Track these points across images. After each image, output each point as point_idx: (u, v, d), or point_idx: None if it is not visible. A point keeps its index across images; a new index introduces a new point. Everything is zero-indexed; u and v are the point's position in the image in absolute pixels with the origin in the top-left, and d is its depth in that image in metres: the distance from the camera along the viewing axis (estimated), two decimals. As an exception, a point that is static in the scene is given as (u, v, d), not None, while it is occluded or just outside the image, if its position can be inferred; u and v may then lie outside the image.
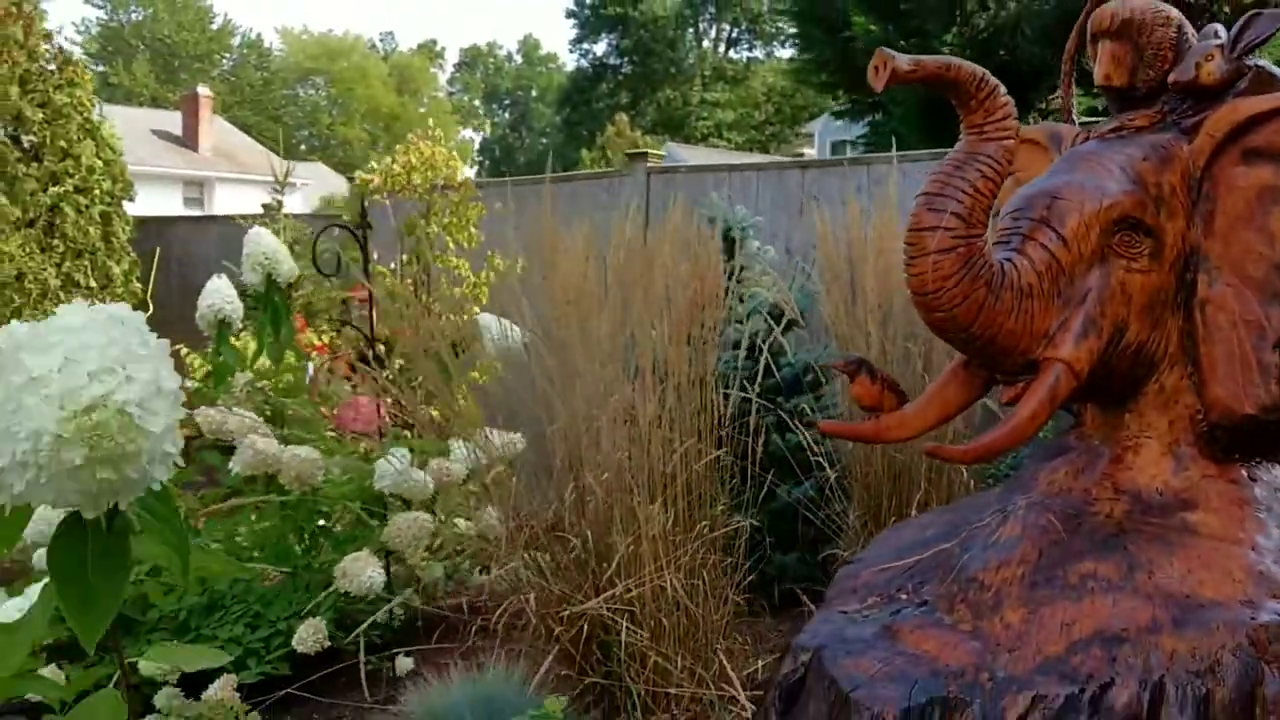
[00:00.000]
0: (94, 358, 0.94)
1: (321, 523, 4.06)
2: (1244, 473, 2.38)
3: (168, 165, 33.12)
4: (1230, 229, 2.30)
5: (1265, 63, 2.38)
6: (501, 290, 4.37)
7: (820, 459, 3.92)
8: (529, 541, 3.27)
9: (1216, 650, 2.04)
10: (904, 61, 2.10)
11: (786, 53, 44.14)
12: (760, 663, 3.37)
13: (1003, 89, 2.17)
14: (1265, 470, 2.43)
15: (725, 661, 3.17)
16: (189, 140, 35.39)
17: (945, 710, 2.12)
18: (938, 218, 2.14)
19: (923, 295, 2.19)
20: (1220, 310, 2.30)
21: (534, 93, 60.71)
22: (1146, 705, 2.01)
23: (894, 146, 7.91)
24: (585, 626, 3.09)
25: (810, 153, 32.16)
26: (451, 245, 5.61)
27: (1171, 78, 2.39)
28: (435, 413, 4.47)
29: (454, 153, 5.81)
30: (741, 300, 4.23)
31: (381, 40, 68.41)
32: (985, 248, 2.19)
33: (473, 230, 5.62)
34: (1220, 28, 2.41)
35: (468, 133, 58.74)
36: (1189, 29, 2.45)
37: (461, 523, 4.17)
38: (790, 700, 2.41)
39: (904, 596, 2.54)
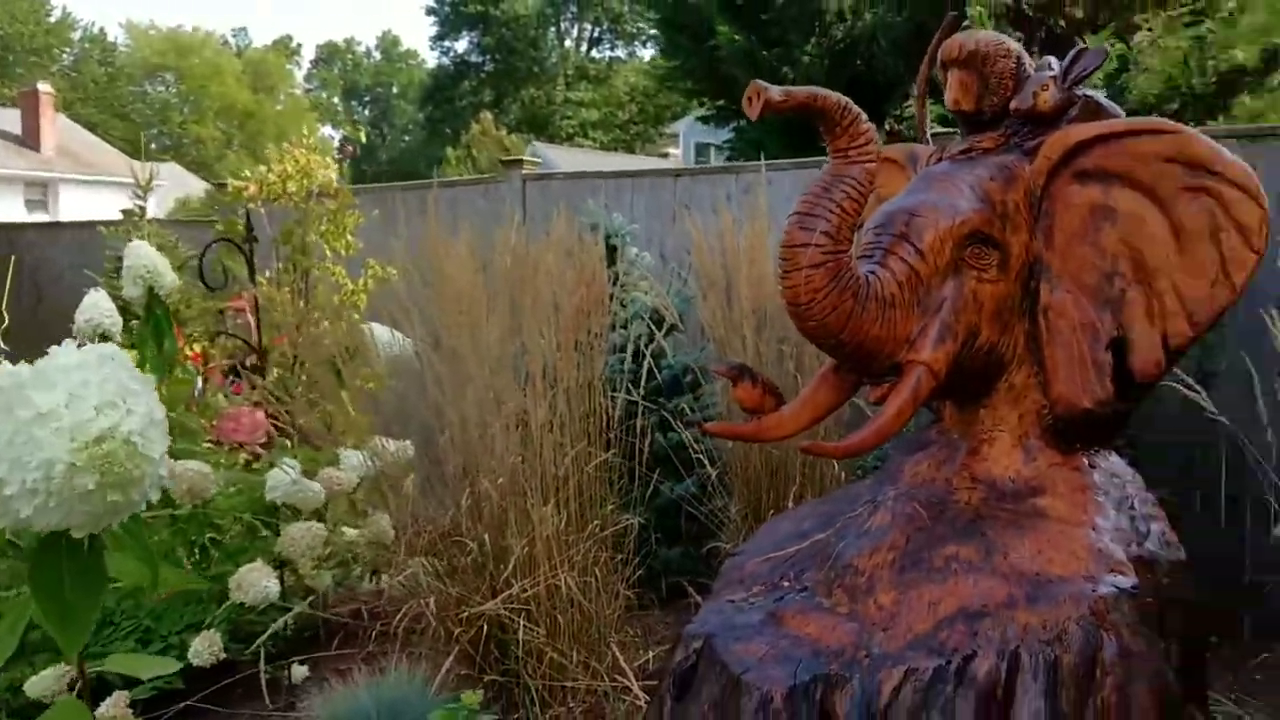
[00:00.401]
0: (94, 393, 1.03)
1: (212, 535, 4.07)
2: (1085, 461, 2.65)
3: (7, 166, 31.57)
4: (1067, 242, 2.55)
5: (1093, 93, 2.65)
6: (385, 297, 4.43)
7: (702, 456, 4.11)
8: (426, 547, 3.37)
9: (1063, 621, 2.28)
10: (776, 92, 2.27)
11: (648, 53, 44.63)
12: (651, 654, 3.54)
13: (864, 116, 2.36)
14: (1102, 457, 2.71)
15: (618, 654, 3.32)
16: (30, 140, 33.69)
17: (828, 687, 2.32)
18: (808, 235, 2.33)
19: (796, 306, 2.38)
20: (1060, 315, 2.55)
21: (395, 90, 59.86)
22: (1004, 673, 2.24)
23: (759, 153, 8.20)
24: (484, 627, 3.21)
25: (675, 153, 32.56)
26: (329, 253, 5.62)
27: (1013, 105, 2.64)
28: (319, 421, 4.51)
29: (328, 159, 5.82)
30: (624, 306, 4.39)
31: (234, 36, 66.49)
32: (852, 262, 2.40)
33: (350, 238, 5.64)
34: (1054, 60, 2.67)
35: (328, 130, 57.61)
36: (1027, 60, 2.70)
37: (350, 531, 4.23)
38: (684, 686, 2.58)
39: (786, 584, 2.73)
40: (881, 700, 2.26)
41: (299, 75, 63.29)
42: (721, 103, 8.93)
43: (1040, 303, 2.57)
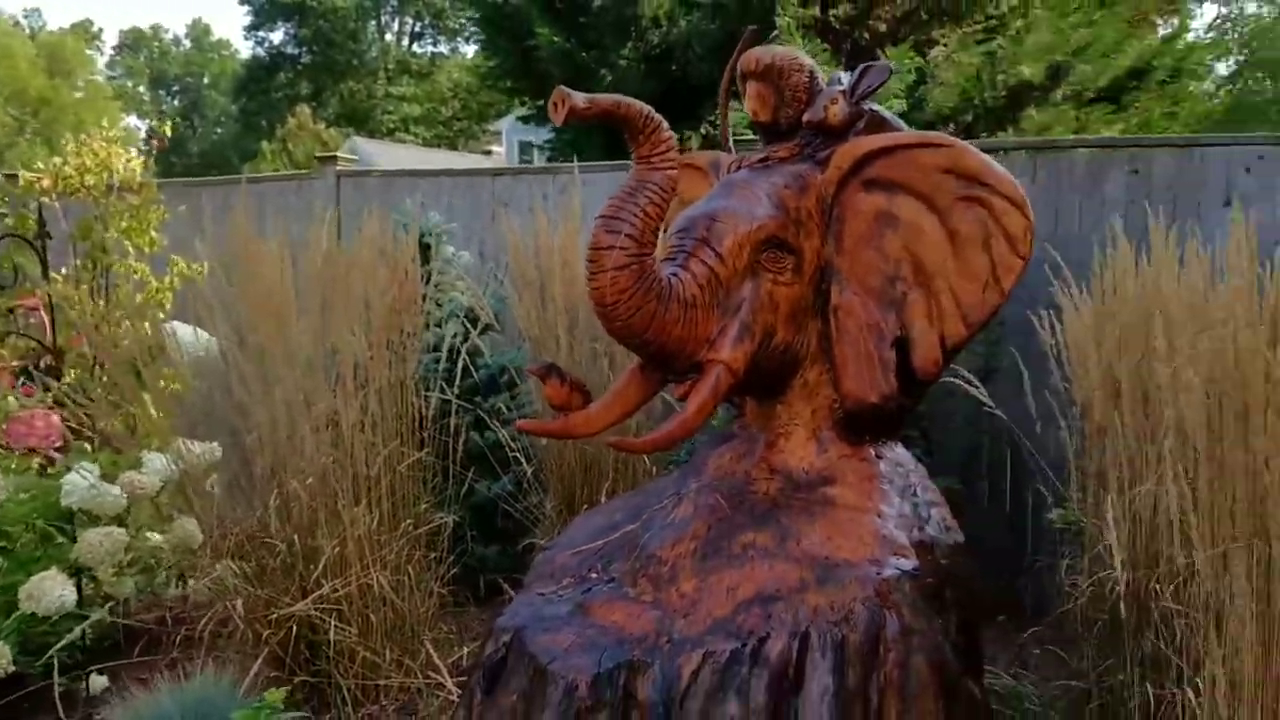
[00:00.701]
0: None
1: (1, 544, 3.87)
2: (872, 452, 2.82)
3: None
4: (855, 247, 2.72)
5: (879, 107, 2.83)
6: (191, 296, 4.30)
7: (518, 454, 4.16)
8: (234, 549, 3.31)
9: (850, 602, 2.44)
10: (580, 99, 2.35)
11: (472, 49, 44.23)
12: (466, 650, 3.57)
13: (666, 125, 2.46)
14: (888, 448, 2.90)
15: (432, 651, 3.34)
16: None
17: (630, 673, 2.41)
18: (614, 238, 2.42)
19: (602, 307, 2.47)
20: (849, 316, 2.72)
21: (206, 80, 57.50)
22: (795, 653, 2.37)
23: (577, 154, 8.29)
24: (294, 628, 3.17)
25: (499, 151, 32.41)
26: (131, 250, 5.41)
27: (805, 117, 2.79)
28: (121, 424, 4.35)
29: (131, 151, 5.60)
30: (439, 305, 4.39)
31: (27, 17, 62.51)
32: (655, 264, 2.49)
33: (154, 234, 5.44)
34: (844, 75, 2.83)
35: (133, 120, 54.83)
36: (820, 75, 2.86)
37: (155, 536, 4.10)
38: (493, 678, 2.62)
39: (594, 576, 2.81)
40: (681, 684, 2.37)
41: (101, 62, 60.06)
42: (541, 102, 8.99)
43: (831, 304, 2.73)
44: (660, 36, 7.46)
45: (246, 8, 44.28)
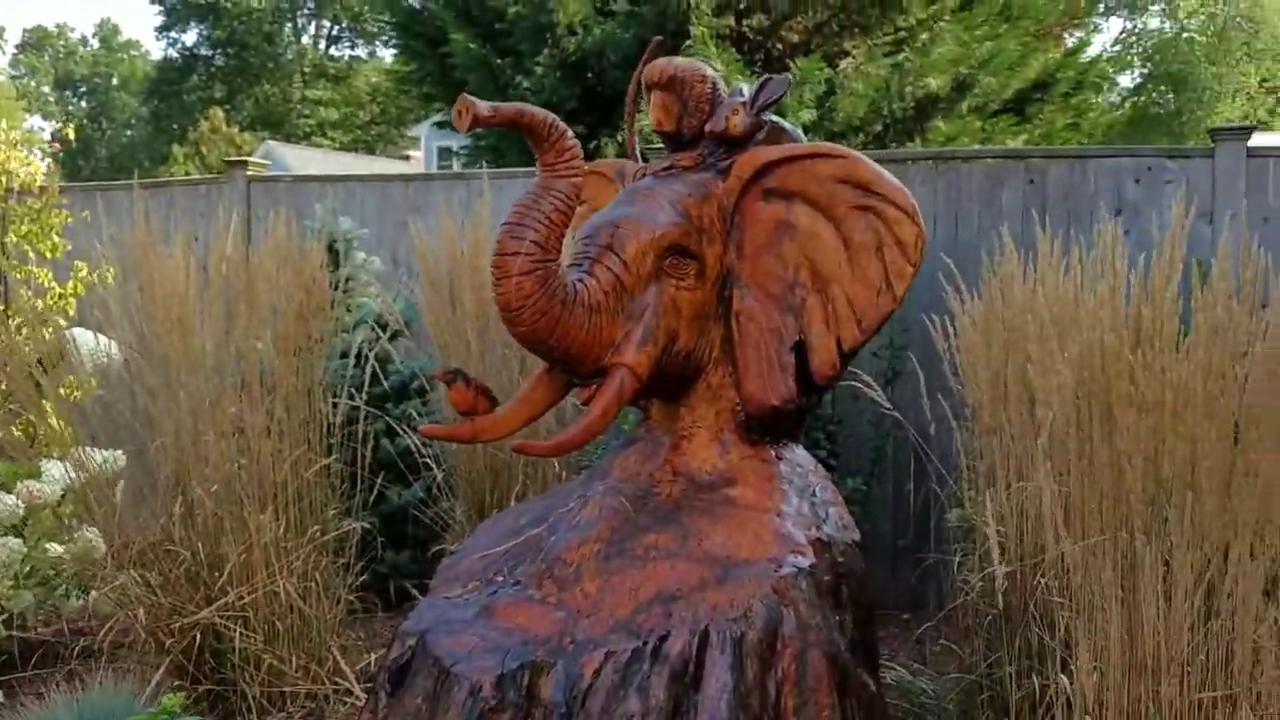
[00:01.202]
0: None
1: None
2: (773, 453, 2.89)
3: None
4: (755, 254, 2.79)
5: (778, 119, 2.91)
6: (93, 302, 4.23)
7: (429, 461, 4.17)
8: (137, 558, 3.27)
9: (748, 600, 2.50)
10: (484, 108, 2.38)
11: (390, 53, 43.80)
12: (373, 656, 3.56)
13: (570, 133, 2.51)
14: (788, 449, 2.97)
15: (339, 657, 3.34)
16: None
17: (534, 673, 2.45)
18: (519, 244, 2.46)
19: (508, 312, 2.51)
20: (751, 321, 2.79)
21: (115, 81, 56.06)
22: (695, 650, 2.43)
23: (496, 159, 8.28)
24: (198, 636, 3.15)
25: (417, 155, 32.15)
26: (32, 255, 5.29)
27: (708, 127, 2.86)
28: (20, 432, 4.27)
29: (32, 153, 5.48)
30: (349, 311, 4.38)
31: (-77, 13, 60.35)
32: (561, 270, 2.54)
33: (56, 239, 5.33)
34: (745, 87, 2.91)
35: (37, 121, 53.23)
36: (722, 86, 2.93)
37: (55, 547, 4.02)
38: (398, 681, 2.64)
39: (500, 579, 2.84)
40: (584, 683, 2.41)
41: (2, 60, 58.25)
42: (458, 109, 8.99)
43: (733, 309, 2.80)
44: (576, 44, 7.49)
45: (158, 8, 43.31)
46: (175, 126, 40.12)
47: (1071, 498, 2.47)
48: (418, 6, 8.65)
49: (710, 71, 2.93)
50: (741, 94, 2.89)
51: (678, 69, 2.89)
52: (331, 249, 4.53)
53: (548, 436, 3.79)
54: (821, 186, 2.74)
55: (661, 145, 3.00)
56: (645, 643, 2.43)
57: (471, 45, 7.74)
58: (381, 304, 4.33)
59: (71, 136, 5.68)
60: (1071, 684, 2.40)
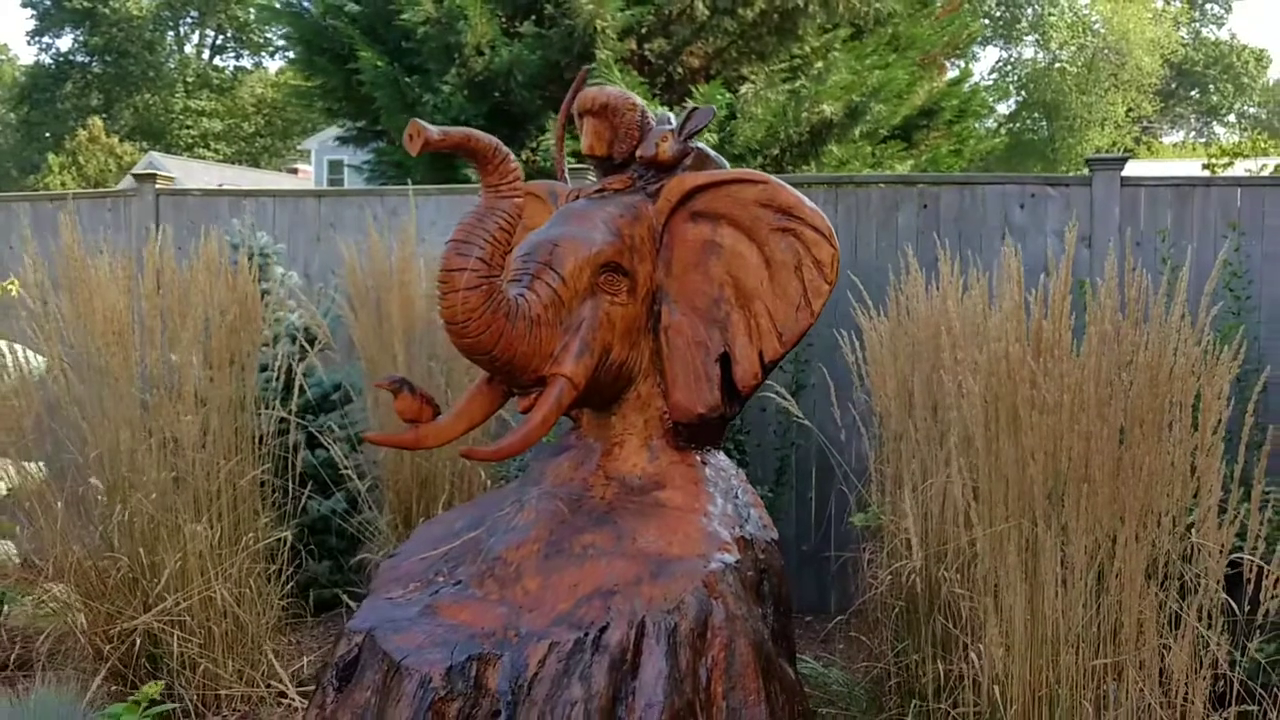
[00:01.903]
0: None
1: None
2: (698, 458, 3.09)
3: None
4: (683, 271, 2.99)
5: (703, 145, 3.12)
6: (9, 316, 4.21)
7: (350, 472, 4.25)
8: (75, 566, 3.29)
9: (681, 593, 2.69)
10: (434, 132, 2.52)
11: (275, 64, 43.06)
12: (306, 660, 3.64)
13: (513, 157, 2.67)
14: (712, 455, 3.17)
15: (274, 661, 3.41)
16: None
17: (481, 664, 2.59)
18: (465, 260, 2.61)
19: (453, 324, 2.65)
20: (678, 334, 2.99)
21: (-18, 86, 53.91)
22: (633, 639, 2.60)
23: (401, 174, 8.32)
24: (137, 641, 3.19)
25: (306, 169, 31.68)
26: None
27: (638, 153, 3.05)
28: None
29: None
30: (270, 324, 4.43)
31: None
32: (503, 285, 2.69)
33: (-41, 251, 5.25)
34: (671, 116, 3.11)
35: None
36: (651, 114, 3.13)
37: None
38: (346, 677, 2.75)
39: (441, 579, 2.97)
40: (529, 671, 2.57)
41: None
42: (362, 124, 9.00)
43: (662, 323, 2.99)
44: (483, 64, 7.63)
45: (30, 11, 41.81)
46: (48, 135, 38.73)
47: (980, 490, 2.72)
48: (322, 22, 8.67)
49: (639, 100, 3.12)
50: (669, 122, 3.09)
51: (610, 97, 3.08)
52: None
53: (480, 443, 3.91)
54: (745, 210, 2.95)
55: (584, 166, 3.18)
56: (586, 634, 2.60)
57: (379, 63, 7.81)
58: (309, 317, 4.40)
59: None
60: (980, 661, 2.66)
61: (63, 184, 30.61)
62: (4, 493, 3.69)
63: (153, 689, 2.57)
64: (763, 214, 2.95)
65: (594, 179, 3.24)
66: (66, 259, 3.52)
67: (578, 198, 3.12)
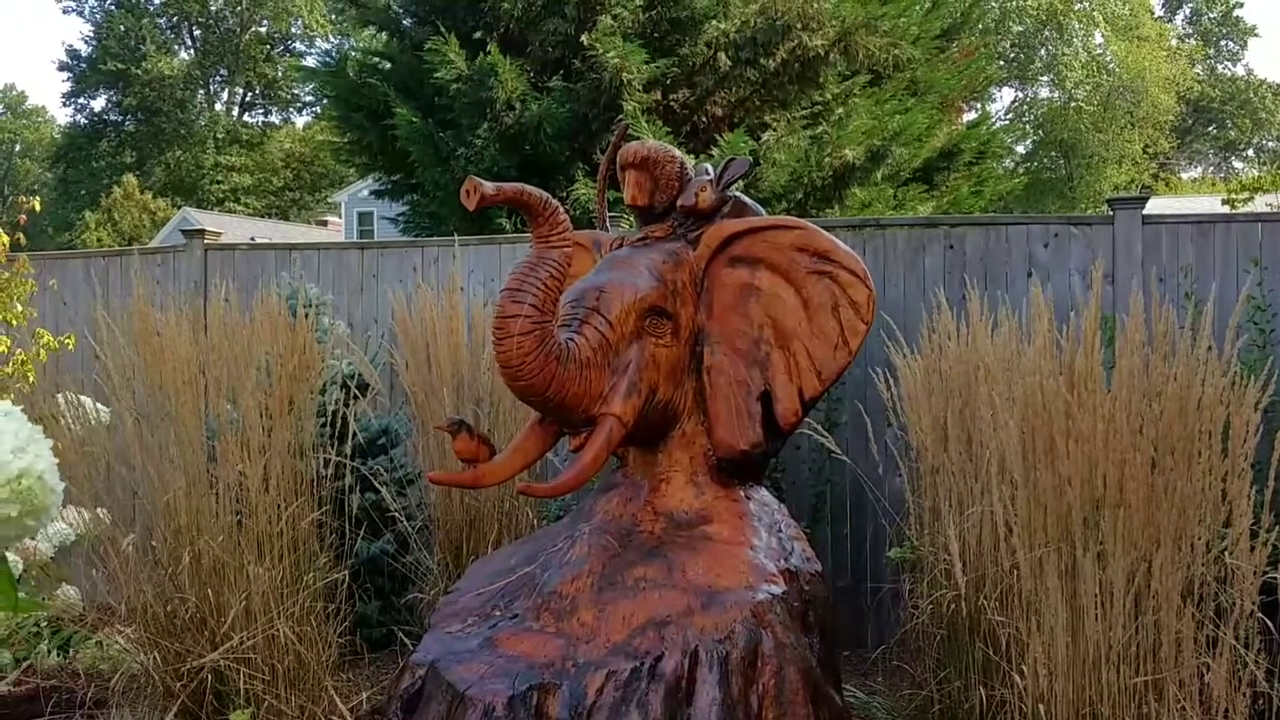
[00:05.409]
0: (9, 441, 1.26)
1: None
2: (742, 493, 3.22)
3: None
4: (723, 314, 3.14)
5: (740, 194, 3.27)
6: (56, 368, 4.39)
7: (396, 514, 4.40)
8: (144, 609, 3.44)
9: (731, 623, 2.80)
10: (489, 188, 2.68)
11: (303, 119, 43.80)
12: (364, 694, 3.77)
13: (561, 209, 2.83)
14: (756, 490, 3.30)
15: (335, 696, 3.54)
16: None
17: (542, 694, 2.71)
18: (519, 308, 2.76)
19: (508, 368, 2.80)
20: (720, 374, 3.13)
21: (19, 148, 55.06)
22: (687, 668, 2.72)
23: (435, 225, 8.51)
24: (207, 679, 3.33)
25: (336, 221, 32.17)
26: (-4, 323, 5.40)
27: (680, 202, 3.21)
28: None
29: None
30: (320, 373, 4.60)
31: None
32: (554, 330, 2.84)
33: (20, 307, 5.46)
34: (710, 167, 3.27)
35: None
36: (689, 165, 3.29)
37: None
38: (410, 708, 2.88)
39: (498, 613, 3.10)
40: (588, 700, 2.68)
41: (-100, 126, 56.72)
42: (397, 177, 9.24)
43: (704, 364, 3.14)
44: (514, 118, 7.85)
45: (66, 74, 42.80)
46: (84, 193, 39.48)
47: (1019, 517, 2.84)
48: (357, 81, 8.94)
49: (678, 152, 3.29)
50: (708, 173, 3.25)
51: (650, 151, 3.24)
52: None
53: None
54: (782, 254, 3.10)
55: (619, 214, 3.33)
56: (642, 663, 2.72)
57: (414, 119, 8.04)
58: (360, 364, 4.56)
59: (37, 207, 5.78)
60: (1023, 682, 2.76)
61: (99, 240, 31.17)
62: (74, 538, 3.84)
63: (240, 717, 2.70)
64: (799, 258, 3.09)
65: (627, 228, 3.40)
66: (136, 313, 3.69)
67: (621, 245, 3.28)
